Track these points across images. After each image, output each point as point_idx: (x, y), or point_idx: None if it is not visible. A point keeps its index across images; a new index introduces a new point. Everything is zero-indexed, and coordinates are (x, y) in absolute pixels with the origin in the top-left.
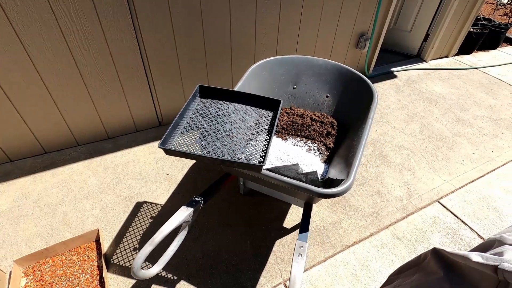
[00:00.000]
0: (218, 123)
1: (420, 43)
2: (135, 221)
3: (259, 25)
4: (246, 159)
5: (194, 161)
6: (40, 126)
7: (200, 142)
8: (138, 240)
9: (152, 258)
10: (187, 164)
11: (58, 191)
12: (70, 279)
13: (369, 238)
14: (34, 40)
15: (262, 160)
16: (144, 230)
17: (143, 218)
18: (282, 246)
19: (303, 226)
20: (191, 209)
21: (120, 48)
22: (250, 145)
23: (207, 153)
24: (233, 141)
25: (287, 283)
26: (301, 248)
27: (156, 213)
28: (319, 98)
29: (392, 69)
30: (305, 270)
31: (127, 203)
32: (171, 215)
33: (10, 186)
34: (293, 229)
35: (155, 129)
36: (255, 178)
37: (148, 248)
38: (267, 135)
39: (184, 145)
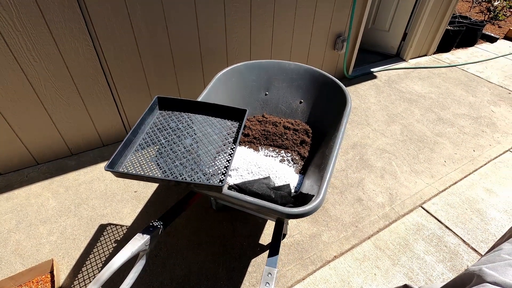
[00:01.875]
0: (178, 138)
1: (399, 42)
2: (97, 247)
3: (229, 29)
4: (207, 178)
5: None
6: None
7: (156, 161)
8: (99, 269)
9: None
10: None
11: (11, 217)
12: None
13: (351, 250)
14: None
15: (223, 178)
16: (107, 256)
17: (106, 242)
18: (258, 266)
19: (273, 248)
20: (147, 236)
21: (76, 57)
22: (211, 160)
23: (163, 173)
24: (193, 158)
25: None
26: (269, 275)
27: (121, 236)
28: (292, 104)
29: (372, 70)
30: None
31: (89, 227)
32: None
33: None
34: (269, 246)
35: None
36: (217, 197)
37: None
38: (231, 149)
39: (138, 165)
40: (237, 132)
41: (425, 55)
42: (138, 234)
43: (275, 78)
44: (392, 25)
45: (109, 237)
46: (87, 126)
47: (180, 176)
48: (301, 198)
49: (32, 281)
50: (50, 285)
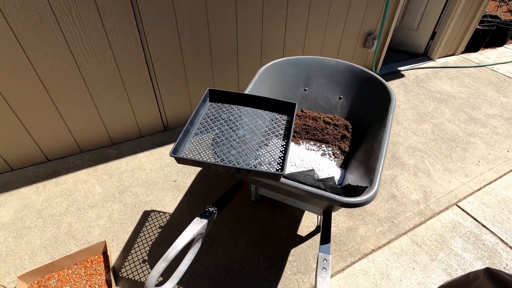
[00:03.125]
0: (230, 129)
1: (427, 41)
2: (143, 231)
3: (266, 25)
4: (265, 167)
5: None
6: (42, 133)
7: (213, 149)
8: (147, 252)
9: (165, 271)
10: (194, 170)
11: (62, 201)
12: None
13: (388, 245)
14: (35, 44)
15: (280, 167)
16: (153, 240)
17: (151, 228)
18: (297, 256)
19: (324, 236)
20: (205, 221)
21: (124, 51)
22: (265, 151)
23: (221, 161)
24: (247, 147)
25: None
26: (325, 261)
27: (164, 223)
28: (331, 100)
29: (399, 68)
30: None
31: (134, 212)
32: (180, 225)
33: (12, 197)
34: (307, 237)
35: (160, 134)
36: (271, 186)
37: (162, 265)
38: (283, 140)
39: (196, 152)
40: (288, 123)
41: (453, 54)
42: (196, 218)
43: (315, 74)
44: (421, 24)
45: (154, 223)
46: (128, 117)
47: (238, 164)
48: (349, 190)
49: (87, 261)
50: (103, 265)
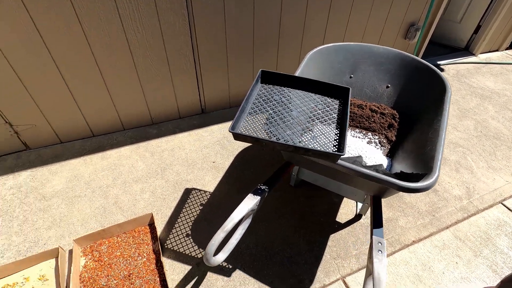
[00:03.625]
0: (283, 110)
1: (470, 35)
2: (185, 207)
3: (309, 10)
4: (321, 147)
5: (240, 149)
6: (91, 109)
7: (268, 129)
8: (190, 227)
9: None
10: (232, 152)
11: (108, 174)
12: (127, 261)
13: (429, 238)
14: (92, 22)
15: (335, 150)
16: (195, 217)
17: (193, 205)
18: (337, 241)
19: (377, 221)
20: (258, 198)
21: (173, 32)
22: (320, 133)
23: (277, 140)
24: (302, 128)
25: (346, 279)
26: (380, 244)
27: (205, 201)
28: (378, 89)
29: (439, 62)
30: (363, 268)
31: (176, 189)
32: (220, 204)
33: (63, 167)
34: (346, 224)
35: (198, 117)
36: (320, 168)
37: (220, 235)
38: (336, 124)
39: (252, 131)
40: (340, 109)
41: (497, 50)
42: (250, 194)
43: (362, 61)
44: (465, 16)
45: (195, 200)
46: (169, 98)
47: (294, 143)
48: (402, 177)
49: (134, 230)
50: (150, 235)
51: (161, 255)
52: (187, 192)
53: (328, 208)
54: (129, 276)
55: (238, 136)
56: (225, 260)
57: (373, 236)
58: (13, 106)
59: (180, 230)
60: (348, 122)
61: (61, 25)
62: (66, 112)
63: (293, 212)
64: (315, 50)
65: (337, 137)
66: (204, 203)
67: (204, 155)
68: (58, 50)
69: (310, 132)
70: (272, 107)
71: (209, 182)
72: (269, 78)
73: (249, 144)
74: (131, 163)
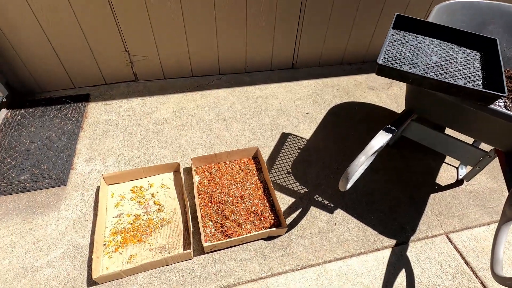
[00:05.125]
0: (422, 54)
1: None
2: (284, 149)
3: None
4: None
5: (332, 105)
6: (197, 50)
7: (409, 70)
8: (290, 166)
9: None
10: (324, 107)
11: (209, 110)
12: (238, 184)
13: None
14: None
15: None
16: (294, 158)
17: (291, 147)
18: (437, 200)
19: None
20: (389, 135)
21: None
22: (465, 77)
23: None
24: (445, 72)
25: (450, 235)
26: None
27: (302, 145)
28: (506, 52)
29: None
30: (466, 228)
31: (273, 132)
32: (319, 150)
33: (168, 99)
34: (447, 187)
35: (287, 71)
36: (453, 116)
37: (362, 158)
38: (482, 72)
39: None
40: (482, 59)
41: None
42: (381, 131)
43: (490, 21)
44: None
45: (292, 144)
46: (267, 49)
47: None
48: None
49: (240, 160)
50: (255, 167)
51: (271, 183)
52: (284, 136)
53: (425, 170)
54: (241, 196)
55: (383, 70)
56: (327, 199)
57: None
58: (134, 36)
59: (281, 167)
60: (504, 71)
61: None
62: (176, 49)
63: (390, 169)
64: (444, 4)
65: (485, 83)
66: (301, 147)
67: (297, 106)
68: None
69: (454, 76)
70: (409, 51)
71: (304, 130)
72: (404, 23)
73: (341, 101)
74: (229, 104)
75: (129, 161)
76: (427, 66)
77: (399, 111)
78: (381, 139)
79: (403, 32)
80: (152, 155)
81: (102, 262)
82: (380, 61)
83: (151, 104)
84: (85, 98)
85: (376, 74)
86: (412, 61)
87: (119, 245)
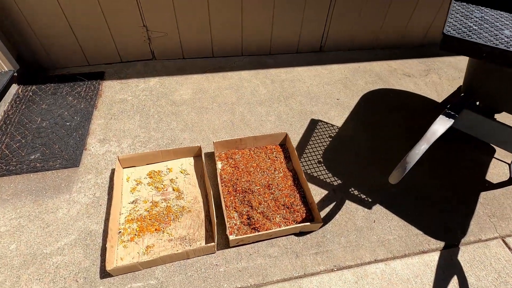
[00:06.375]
0: (491, 27)
1: None
2: (313, 136)
3: None
4: None
5: (364, 91)
6: (220, 29)
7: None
8: (321, 155)
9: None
10: (356, 93)
11: (231, 93)
12: (265, 172)
13: None
14: None
15: None
16: (325, 146)
17: (321, 135)
18: (489, 200)
19: None
20: (451, 120)
21: None
22: None
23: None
24: None
25: (506, 240)
26: None
27: (334, 134)
28: None
29: None
30: None
31: (301, 117)
32: (351, 139)
33: (187, 80)
34: (500, 185)
35: (314, 54)
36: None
37: (423, 145)
38: None
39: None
40: None
41: None
42: (441, 115)
43: None
44: None
45: (323, 131)
46: (295, 29)
47: None
48: None
49: (266, 147)
50: (283, 154)
51: (302, 173)
52: (313, 123)
53: (474, 165)
54: (268, 186)
55: (449, 42)
56: (364, 193)
57: None
58: (154, 10)
59: (311, 156)
60: None
61: None
62: (198, 26)
63: (434, 161)
64: None
65: None
66: (333, 135)
67: (327, 91)
68: None
69: None
70: (475, 24)
71: (335, 117)
72: None
73: (374, 88)
74: (253, 87)
75: (146, 143)
76: (499, 40)
77: (439, 101)
78: (442, 124)
79: (465, 3)
80: (170, 138)
81: (117, 252)
82: (446, 31)
83: (169, 84)
84: (100, 76)
85: (440, 48)
86: (481, 34)
87: (135, 234)
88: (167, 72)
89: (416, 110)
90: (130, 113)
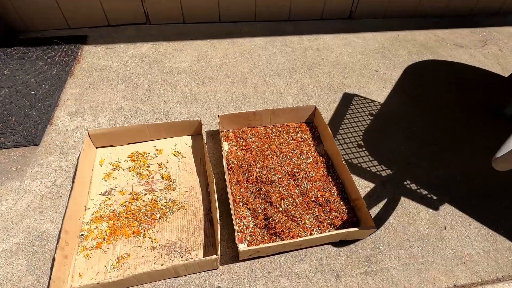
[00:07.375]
0: None
1: None
2: (349, 113)
3: None
4: None
5: (409, 62)
6: None
7: None
8: (361, 137)
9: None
10: (399, 64)
11: (242, 61)
12: (288, 157)
13: None
14: None
15: None
16: (365, 126)
17: (359, 112)
18: None
19: None
20: None
21: None
22: None
23: None
24: None
25: None
26: None
27: (375, 111)
28: None
29: None
30: None
31: (331, 92)
32: (401, 118)
33: (188, 46)
34: None
35: (342, 21)
36: None
37: None
38: None
39: None
40: None
41: None
42: None
43: None
44: None
45: (361, 108)
46: None
47: None
48: None
49: (288, 125)
50: (310, 135)
51: (342, 158)
52: (348, 98)
53: None
54: (293, 175)
55: None
56: (425, 188)
57: None
58: None
59: (349, 138)
60: None
61: None
62: None
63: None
64: None
65: None
66: (374, 113)
67: (361, 62)
68: None
69: None
70: None
71: (375, 91)
72: None
73: (420, 59)
74: (269, 55)
75: (131, 117)
76: None
77: (505, 74)
78: None
79: None
80: (163, 111)
81: (74, 266)
82: None
83: (165, 50)
84: (81, 40)
85: None
86: None
87: (104, 238)
88: (164, 37)
89: (477, 84)
90: (113, 82)
